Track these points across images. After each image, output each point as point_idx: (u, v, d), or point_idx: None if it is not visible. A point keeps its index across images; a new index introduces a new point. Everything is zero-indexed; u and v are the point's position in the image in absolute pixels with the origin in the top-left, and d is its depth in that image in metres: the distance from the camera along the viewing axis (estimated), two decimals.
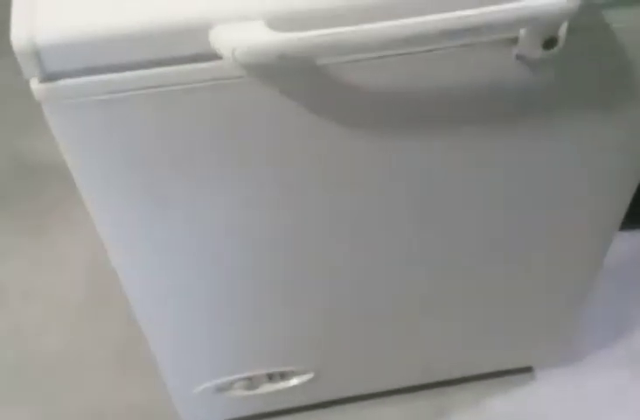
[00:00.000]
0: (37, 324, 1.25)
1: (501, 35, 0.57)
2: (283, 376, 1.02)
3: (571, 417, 1.12)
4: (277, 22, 0.53)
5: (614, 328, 1.21)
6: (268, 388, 1.02)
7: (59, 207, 1.41)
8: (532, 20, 0.53)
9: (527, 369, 1.16)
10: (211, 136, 0.61)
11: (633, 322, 1.22)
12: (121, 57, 0.55)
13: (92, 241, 1.34)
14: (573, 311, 1.01)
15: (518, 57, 0.59)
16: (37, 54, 0.53)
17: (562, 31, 0.56)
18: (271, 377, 1.01)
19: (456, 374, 1.12)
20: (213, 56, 0.55)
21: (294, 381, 1.02)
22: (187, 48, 0.55)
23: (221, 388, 1.00)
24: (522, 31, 0.56)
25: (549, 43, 0.57)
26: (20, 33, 0.53)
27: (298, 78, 0.58)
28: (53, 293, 1.29)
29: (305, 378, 1.01)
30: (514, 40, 0.58)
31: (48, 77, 0.55)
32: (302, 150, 0.65)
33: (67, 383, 1.18)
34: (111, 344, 1.22)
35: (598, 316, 1.19)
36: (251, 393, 1.02)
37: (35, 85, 0.55)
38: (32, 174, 1.47)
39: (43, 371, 1.19)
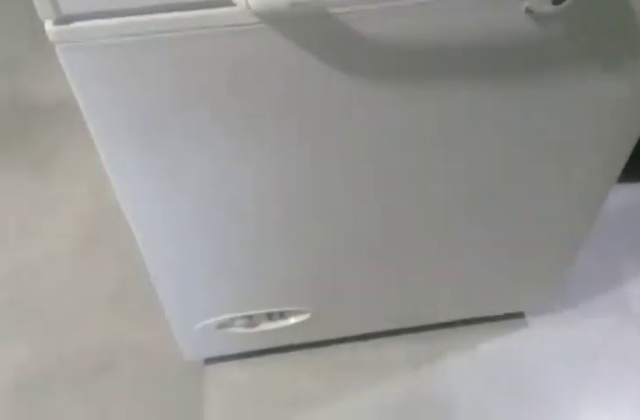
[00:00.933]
0: (36, 261, 1.28)
1: None
2: (282, 315, 1.05)
3: (561, 361, 1.16)
4: None
5: (604, 277, 1.24)
6: (267, 326, 1.06)
7: (58, 148, 1.42)
8: None
9: (519, 315, 1.19)
10: (221, 81, 0.62)
11: (623, 271, 1.25)
12: (135, 1, 0.55)
13: (90, 180, 1.37)
14: (565, 259, 1.03)
15: (527, 11, 0.59)
16: None
17: None
18: (270, 316, 1.05)
19: (451, 318, 1.16)
20: (226, 2, 0.55)
21: (292, 321, 1.05)
22: None
23: (222, 325, 1.04)
24: None
25: None
26: None
27: (309, 25, 0.58)
28: (52, 231, 1.31)
29: (302, 318, 1.04)
30: None
31: (63, 19, 0.56)
32: (310, 96, 0.66)
33: (66, 320, 1.21)
34: (109, 282, 1.24)
35: (590, 265, 1.22)
36: (250, 330, 1.06)
37: (49, 26, 0.56)
38: (31, 114, 1.47)
39: (42, 308, 1.22)
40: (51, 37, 0.57)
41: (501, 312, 1.17)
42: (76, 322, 1.20)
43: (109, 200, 1.30)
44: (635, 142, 0.80)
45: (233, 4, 0.55)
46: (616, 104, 0.73)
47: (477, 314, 1.16)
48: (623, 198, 0.96)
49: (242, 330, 1.05)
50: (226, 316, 1.01)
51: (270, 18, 0.57)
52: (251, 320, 1.04)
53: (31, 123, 1.45)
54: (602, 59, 0.67)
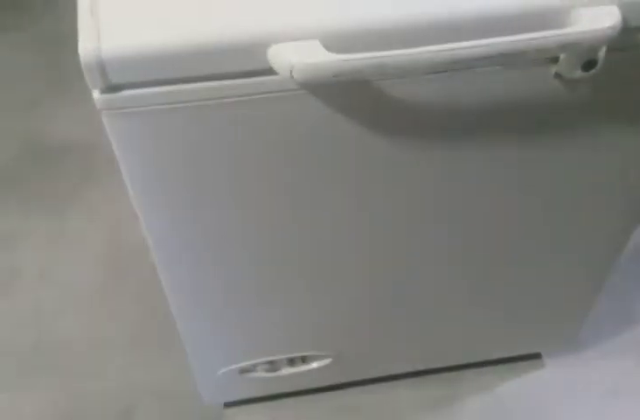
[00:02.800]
0: (55, 305, 1.28)
1: (544, 56, 0.59)
2: (304, 360, 1.06)
3: (578, 402, 1.17)
4: (331, 41, 0.56)
5: (619, 317, 1.25)
6: (289, 370, 1.07)
7: (75, 190, 1.43)
8: (574, 45, 0.56)
9: (536, 356, 1.20)
10: (261, 143, 0.64)
11: (637, 311, 1.26)
12: (182, 71, 0.57)
13: (108, 223, 1.38)
14: (585, 304, 1.05)
15: (557, 76, 0.62)
16: (102, 68, 0.56)
17: (602, 53, 0.59)
18: (292, 361, 1.05)
19: (469, 360, 1.17)
20: (268, 71, 0.57)
21: (313, 365, 1.06)
22: (245, 64, 0.57)
23: (244, 370, 1.05)
24: (563, 54, 0.59)
25: (588, 64, 0.60)
26: (87, 47, 0.55)
27: (347, 92, 0.60)
28: (70, 275, 1.32)
29: (324, 362, 1.05)
30: (554, 59, 0.60)
31: (110, 88, 0.58)
32: (347, 159, 0.68)
33: (87, 365, 1.21)
34: (129, 325, 1.25)
35: (604, 305, 1.23)
36: (272, 375, 1.06)
37: (97, 95, 0.58)
38: (47, 157, 1.49)
39: (62, 352, 1.22)
40: (98, 105, 0.58)
41: (518, 354, 1.18)
42: (96, 366, 1.21)
43: (128, 243, 1.33)
44: None
45: (276, 73, 0.57)
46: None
47: (495, 356, 1.17)
48: (636, 240, 0.98)
49: (264, 375, 1.06)
50: (249, 362, 1.02)
51: (311, 87, 0.59)
52: (273, 365, 1.05)
53: (46, 166, 1.47)
54: (627, 121, 0.69)
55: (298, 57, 0.55)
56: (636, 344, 1.22)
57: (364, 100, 0.62)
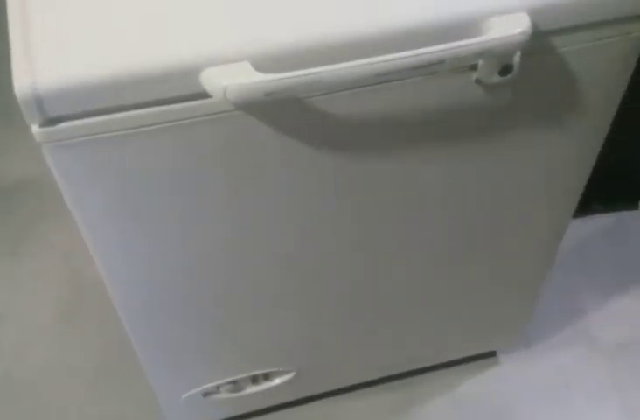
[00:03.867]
0: (15, 343, 1.27)
1: (462, 64, 0.62)
2: (267, 377, 1.07)
3: (533, 396, 1.20)
4: (260, 62, 0.58)
5: (566, 310, 1.29)
6: (253, 389, 1.08)
7: (28, 226, 1.42)
8: (489, 52, 0.60)
9: (492, 354, 1.24)
10: (204, 166, 0.66)
11: (584, 303, 1.30)
12: (117, 100, 0.59)
13: (63, 256, 1.37)
14: (530, 298, 1.08)
15: (477, 81, 0.65)
16: (38, 102, 0.57)
17: (516, 58, 0.62)
18: (255, 379, 1.06)
19: (426, 363, 1.19)
20: (203, 94, 0.59)
21: (277, 381, 1.07)
22: (179, 89, 0.59)
23: (208, 393, 1.05)
24: (480, 61, 0.62)
25: (505, 70, 0.63)
26: (22, 83, 0.56)
27: (281, 110, 0.63)
28: (29, 312, 1.31)
29: (287, 377, 1.07)
30: (473, 67, 0.64)
31: (48, 121, 0.59)
32: (287, 174, 0.70)
33: (50, 398, 1.20)
34: (90, 358, 1.25)
35: (552, 300, 1.27)
36: (236, 395, 1.07)
37: (36, 129, 0.59)
38: (1, 194, 1.48)
39: (25, 388, 1.22)
40: (38, 138, 0.60)
41: (473, 353, 1.21)
42: (60, 399, 1.20)
43: (84, 275, 1.33)
44: (581, 190, 0.86)
45: (210, 96, 0.59)
46: (564, 158, 0.79)
47: (451, 357, 1.20)
48: (574, 232, 1.03)
49: (228, 395, 1.07)
50: (212, 384, 1.03)
51: (245, 107, 0.61)
52: (236, 385, 1.06)
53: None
54: (547, 121, 0.73)
55: (230, 79, 0.57)
56: (585, 334, 1.26)
57: (297, 116, 0.64)
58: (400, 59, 0.57)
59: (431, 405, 1.19)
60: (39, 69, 0.57)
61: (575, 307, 1.30)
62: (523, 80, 0.66)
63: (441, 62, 0.59)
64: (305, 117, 0.64)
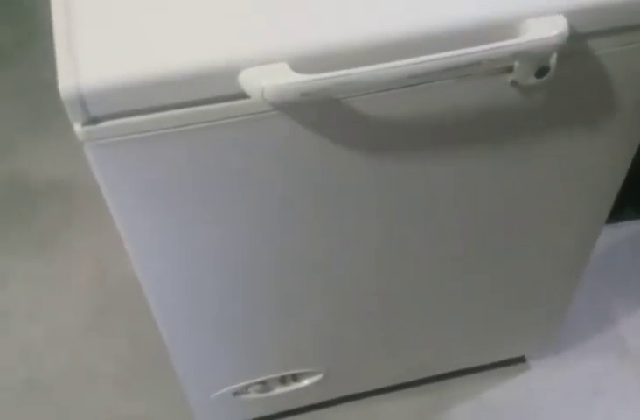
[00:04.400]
0: (45, 343, 1.29)
1: (498, 66, 0.63)
2: (295, 378, 1.07)
3: (563, 402, 1.19)
4: (298, 63, 0.59)
5: (597, 317, 1.29)
6: (281, 389, 1.08)
7: (57, 228, 1.44)
8: (525, 54, 0.60)
9: (521, 359, 1.23)
10: (243, 165, 0.67)
11: (614, 310, 1.29)
12: (157, 100, 0.60)
13: (92, 259, 1.39)
14: (562, 303, 1.08)
15: (513, 83, 0.65)
16: (82, 101, 0.58)
17: (553, 60, 0.63)
18: (284, 379, 1.07)
19: (455, 368, 1.19)
20: (241, 95, 0.60)
21: (305, 382, 1.08)
22: (218, 89, 0.60)
23: (237, 393, 1.06)
24: (516, 63, 0.63)
25: (541, 71, 0.63)
26: (67, 83, 0.58)
27: (317, 110, 0.64)
28: (58, 313, 1.32)
29: (315, 379, 1.07)
30: (509, 68, 0.64)
31: (91, 120, 0.60)
32: (321, 174, 0.71)
33: (79, 399, 1.22)
34: (121, 359, 1.26)
35: (583, 306, 1.26)
36: (265, 395, 1.08)
37: (78, 128, 0.60)
38: (27, 196, 1.50)
39: (54, 389, 1.23)
40: (80, 137, 0.61)
41: (504, 358, 1.21)
42: (89, 400, 1.21)
43: (113, 278, 1.35)
44: (615, 195, 0.86)
45: (248, 96, 0.60)
46: (597, 161, 0.79)
47: (481, 362, 1.20)
48: (605, 238, 1.02)
49: (256, 395, 1.07)
50: (241, 383, 1.03)
51: (282, 107, 0.62)
52: (265, 385, 1.06)
53: (29, 205, 1.48)
54: (581, 123, 0.73)
55: (268, 79, 0.58)
56: (615, 342, 1.25)
57: (333, 116, 0.65)
58: (437, 60, 0.58)
59: (458, 409, 1.19)
60: (83, 69, 0.58)
61: (606, 314, 1.29)
62: (558, 83, 0.66)
63: (477, 64, 0.59)
64: (341, 117, 0.65)
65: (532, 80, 0.64)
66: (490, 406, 1.19)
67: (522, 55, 0.60)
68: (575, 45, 0.63)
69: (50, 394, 1.22)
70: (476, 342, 1.12)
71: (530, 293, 1.03)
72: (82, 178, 1.47)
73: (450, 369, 1.19)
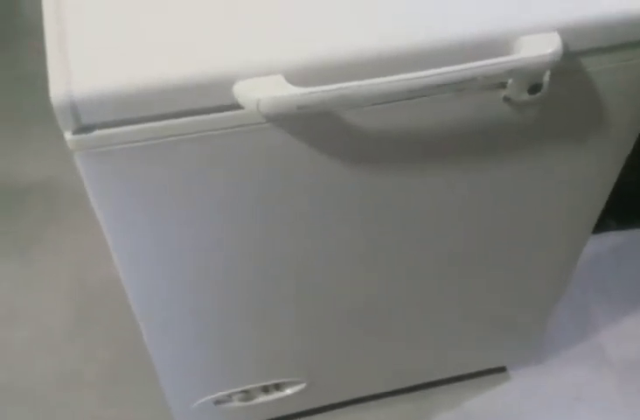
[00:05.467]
0: (25, 345, 1.27)
1: (493, 82, 0.63)
2: (278, 387, 1.07)
3: (544, 411, 1.20)
4: (294, 75, 0.59)
5: (578, 326, 1.29)
6: (264, 398, 1.08)
7: (38, 229, 1.42)
8: (519, 71, 0.60)
9: (501, 369, 1.24)
10: (234, 176, 0.67)
11: (595, 319, 1.30)
12: (151, 109, 0.59)
13: (74, 260, 1.38)
14: (544, 314, 1.09)
15: (505, 99, 0.65)
16: (74, 109, 0.57)
17: (546, 77, 0.63)
18: (266, 389, 1.07)
19: (436, 377, 1.19)
20: (234, 106, 0.60)
21: (287, 392, 1.07)
22: (211, 100, 0.60)
23: (219, 402, 1.05)
24: (510, 79, 0.63)
25: (534, 88, 0.64)
26: (58, 90, 0.57)
27: (311, 122, 0.63)
28: (39, 316, 1.31)
29: (298, 388, 1.07)
30: (502, 85, 0.64)
31: (82, 129, 0.59)
32: (314, 186, 0.70)
33: (60, 403, 1.20)
34: (102, 363, 1.25)
35: (564, 315, 1.27)
36: (247, 404, 1.07)
37: (69, 136, 0.60)
38: (7, 197, 1.48)
39: (34, 392, 1.21)
40: (71, 146, 0.60)
41: (484, 368, 1.21)
42: (70, 404, 1.20)
43: (95, 280, 1.33)
44: (601, 208, 0.87)
45: (242, 108, 0.60)
46: (586, 175, 0.80)
47: (462, 372, 1.20)
48: (587, 249, 1.03)
49: (239, 404, 1.07)
50: (223, 392, 1.03)
51: (277, 119, 0.61)
52: (247, 394, 1.06)
53: (9, 206, 1.46)
54: (572, 139, 0.74)
55: (263, 91, 0.58)
56: (595, 350, 1.26)
57: (327, 129, 0.65)
58: (434, 75, 0.58)
59: (440, 418, 1.19)
60: (76, 76, 0.57)
61: (587, 323, 1.30)
62: (550, 99, 0.66)
63: (472, 79, 0.59)
64: (335, 130, 0.65)
65: (525, 97, 0.65)
66: (471, 415, 1.19)
67: (517, 72, 0.60)
68: (568, 62, 0.64)
69: (29, 398, 1.21)
70: (457, 352, 1.13)
71: (514, 303, 1.03)
72: (64, 179, 1.46)
73: (432, 378, 1.19)
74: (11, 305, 1.32)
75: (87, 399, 1.21)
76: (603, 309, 1.31)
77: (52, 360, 1.25)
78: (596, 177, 0.81)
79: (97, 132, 0.60)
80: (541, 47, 0.60)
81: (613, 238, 1.41)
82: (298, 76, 0.59)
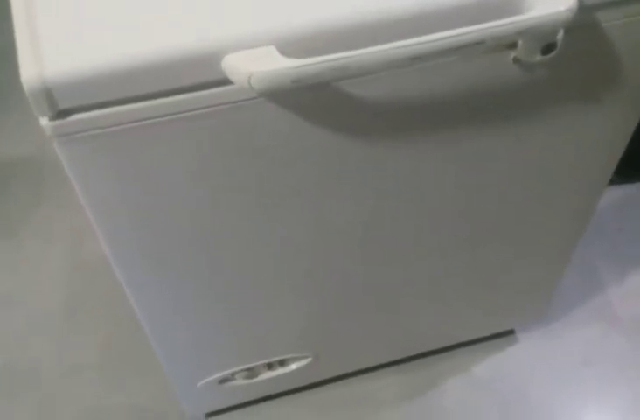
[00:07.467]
0: (22, 328, 1.24)
1: (502, 43, 0.58)
2: (282, 363, 1.04)
3: (552, 373, 1.18)
4: (287, 46, 0.54)
5: (586, 286, 1.27)
6: (268, 375, 1.05)
7: (25, 208, 1.38)
8: (532, 31, 0.55)
9: (510, 332, 1.21)
10: (225, 156, 0.62)
11: (602, 279, 1.28)
12: (132, 89, 0.54)
13: (65, 239, 1.34)
14: (552, 274, 1.06)
15: (516, 60, 0.61)
16: (48, 94, 0.52)
17: (560, 36, 0.58)
18: (270, 365, 1.04)
19: (444, 344, 1.17)
20: (224, 81, 0.55)
21: (293, 367, 1.05)
22: (199, 76, 0.55)
23: (223, 380, 1.03)
24: (520, 40, 0.58)
25: (547, 48, 0.59)
26: (30, 74, 0.52)
27: (307, 95, 0.59)
28: (32, 296, 1.28)
29: (303, 363, 1.04)
30: (512, 45, 0.60)
31: (58, 114, 0.54)
32: (312, 161, 0.66)
33: (60, 386, 1.18)
34: (99, 344, 1.22)
35: (571, 276, 1.24)
36: (251, 381, 1.05)
37: (45, 122, 0.55)
38: None
39: (34, 375, 1.19)
40: (48, 132, 0.55)
41: (492, 332, 1.19)
42: (70, 387, 1.18)
43: (88, 259, 1.29)
44: (614, 166, 0.83)
45: (231, 83, 0.55)
46: (599, 134, 0.75)
47: (470, 337, 1.18)
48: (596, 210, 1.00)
49: (243, 382, 1.04)
50: (227, 371, 1.00)
51: (270, 94, 0.57)
52: (251, 372, 1.03)
53: None
54: (584, 98, 0.69)
55: (255, 65, 0.53)
56: (603, 312, 1.24)
57: (324, 102, 0.60)
58: (439, 40, 0.53)
59: (448, 385, 1.17)
60: (47, 59, 0.52)
61: (594, 283, 1.27)
62: (563, 58, 0.62)
63: (481, 43, 0.54)
64: (333, 102, 0.60)
65: (538, 58, 0.60)
66: (478, 381, 1.17)
67: (528, 32, 0.55)
68: (583, 18, 0.59)
69: (30, 382, 1.18)
70: (464, 317, 1.10)
71: (522, 266, 1.00)
72: (48, 155, 1.40)
73: (441, 345, 1.17)
74: (5, 289, 1.29)
75: (87, 382, 1.18)
76: (610, 268, 1.28)
77: (50, 342, 1.22)
78: (610, 135, 0.76)
79: (76, 116, 0.55)
80: (555, 4, 0.55)
81: (616, 192, 1.37)
82: (292, 47, 0.54)
